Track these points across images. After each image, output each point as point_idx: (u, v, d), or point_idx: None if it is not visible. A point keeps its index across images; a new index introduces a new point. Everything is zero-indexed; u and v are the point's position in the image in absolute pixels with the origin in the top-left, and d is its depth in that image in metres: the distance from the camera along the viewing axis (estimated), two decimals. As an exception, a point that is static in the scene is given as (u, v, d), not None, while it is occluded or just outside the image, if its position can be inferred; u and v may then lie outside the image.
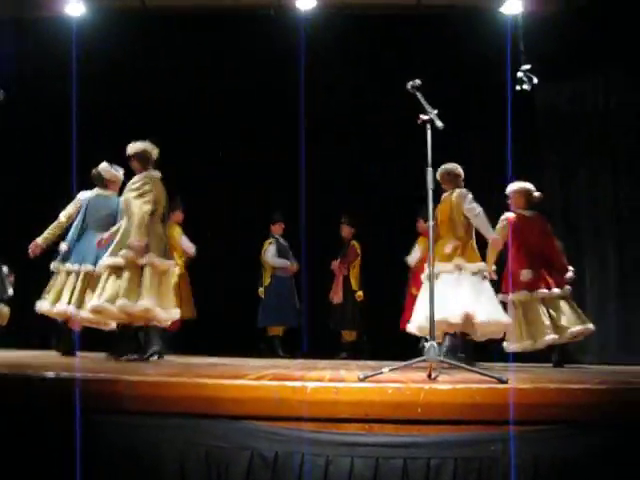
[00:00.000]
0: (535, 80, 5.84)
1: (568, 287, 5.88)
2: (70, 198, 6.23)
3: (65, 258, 5.92)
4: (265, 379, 2.88)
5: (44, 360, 4.57)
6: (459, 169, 5.60)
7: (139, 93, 8.13)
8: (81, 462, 2.60)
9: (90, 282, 5.65)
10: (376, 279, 7.95)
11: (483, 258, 5.46)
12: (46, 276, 6.05)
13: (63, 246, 5.97)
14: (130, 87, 8.07)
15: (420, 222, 7.15)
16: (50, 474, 2.62)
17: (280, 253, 7.97)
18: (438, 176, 5.91)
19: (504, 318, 5.33)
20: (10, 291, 7.77)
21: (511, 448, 2.55)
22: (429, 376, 3.11)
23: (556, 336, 5.67)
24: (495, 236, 5.51)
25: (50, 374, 2.77)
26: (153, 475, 2.59)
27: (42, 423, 2.66)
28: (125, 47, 7.86)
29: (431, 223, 3.39)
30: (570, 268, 6.03)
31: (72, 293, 5.73)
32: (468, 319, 5.05)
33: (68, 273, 5.83)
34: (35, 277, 6.74)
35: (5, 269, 7.81)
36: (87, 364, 4.24)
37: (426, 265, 5.79)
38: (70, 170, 6.35)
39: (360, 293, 7.92)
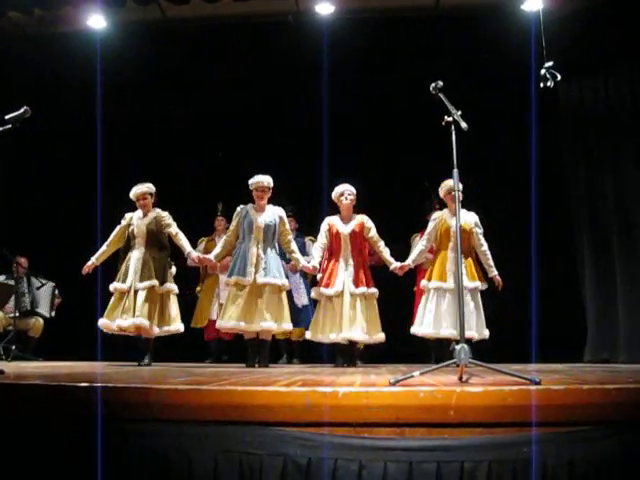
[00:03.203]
0: (559, 77, 5.78)
1: None
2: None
3: None
4: (296, 385, 2.87)
5: (76, 370, 4.61)
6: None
7: (161, 103, 8.20)
8: (112, 471, 2.61)
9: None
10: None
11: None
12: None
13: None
14: (153, 97, 8.14)
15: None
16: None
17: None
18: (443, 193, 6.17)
19: None
20: (53, 313, 8.03)
21: (545, 450, 2.52)
22: (460, 379, 3.09)
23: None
24: None
25: (83, 384, 2.79)
26: (186, 483, 2.60)
27: (75, 432, 2.68)
28: (147, 57, 7.94)
29: (459, 224, 3.38)
30: None
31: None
32: None
33: None
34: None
35: (56, 292, 8.07)
36: (118, 374, 4.26)
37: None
38: (95, 182, 6.43)
39: None
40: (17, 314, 7.59)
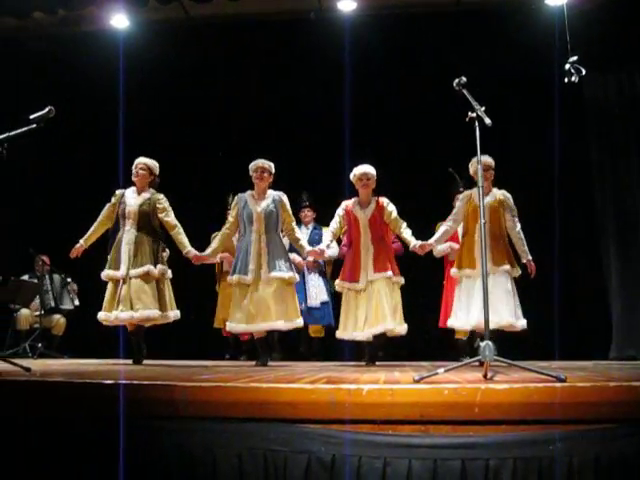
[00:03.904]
0: (583, 72, 5.72)
1: None
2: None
3: None
4: (320, 382, 2.87)
5: (100, 367, 4.65)
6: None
7: (184, 101, 8.24)
8: (138, 468, 2.63)
9: None
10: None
11: None
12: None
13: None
14: (176, 96, 8.18)
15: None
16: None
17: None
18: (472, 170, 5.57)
19: None
20: (76, 302, 8.07)
21: (570, 447, 2.50)
22: (485, 376, 3.07)
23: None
24: None
25: (108, 381, 2.81)
26: (210, 480, 2.61)
27: (100, 429, 2.70)
28: (170, 56, 7.98)
29: (482, 221, 3.36)
30: None
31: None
32: None
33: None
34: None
35: (69, 280, 8.13)
36: (143, 371, 4.29)
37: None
38: (117, 181, 6.45)
39: None
40: (42, 312, 7.68)
